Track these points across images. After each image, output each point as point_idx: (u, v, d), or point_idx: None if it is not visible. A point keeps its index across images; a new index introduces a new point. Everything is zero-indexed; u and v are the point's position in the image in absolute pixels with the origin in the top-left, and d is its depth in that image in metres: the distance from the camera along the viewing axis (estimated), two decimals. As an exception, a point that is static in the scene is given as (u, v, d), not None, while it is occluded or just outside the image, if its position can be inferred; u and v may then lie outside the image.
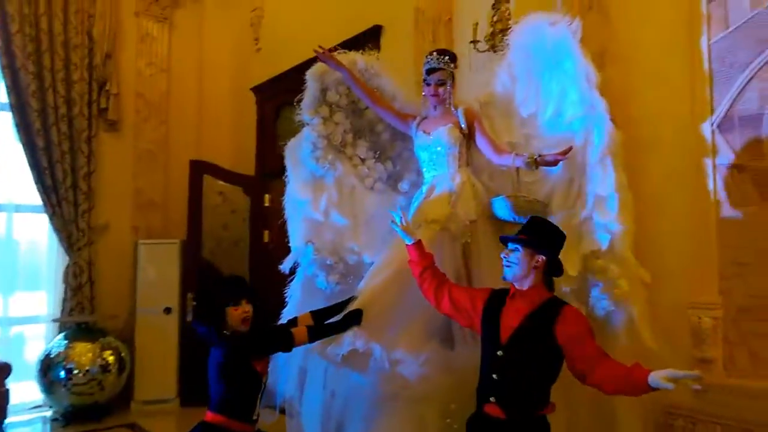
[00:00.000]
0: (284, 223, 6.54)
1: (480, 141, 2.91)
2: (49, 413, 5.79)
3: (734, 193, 2.73)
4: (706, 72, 2.83)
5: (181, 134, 6.81)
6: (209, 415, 2.43)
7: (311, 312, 2.77)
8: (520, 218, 2.69)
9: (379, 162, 3.24)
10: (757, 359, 2.64)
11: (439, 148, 2.90)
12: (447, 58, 2.97)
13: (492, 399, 2.23)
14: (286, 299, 3.14)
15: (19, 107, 5.78)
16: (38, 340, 6.04)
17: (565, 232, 2.37)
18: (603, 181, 2.67)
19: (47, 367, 5.42)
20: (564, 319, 2.20)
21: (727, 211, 2.76)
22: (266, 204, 6.21)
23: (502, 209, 2.80)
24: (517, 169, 2.77)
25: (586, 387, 2.21)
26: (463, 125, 2.92)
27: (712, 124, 2.80)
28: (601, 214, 2.65)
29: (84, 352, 5.45)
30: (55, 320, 5.91)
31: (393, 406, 2.56)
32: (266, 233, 6.19)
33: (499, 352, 2.26)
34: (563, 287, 2.54)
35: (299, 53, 5.74)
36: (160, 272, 6.08)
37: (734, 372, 2.71)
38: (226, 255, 6.20)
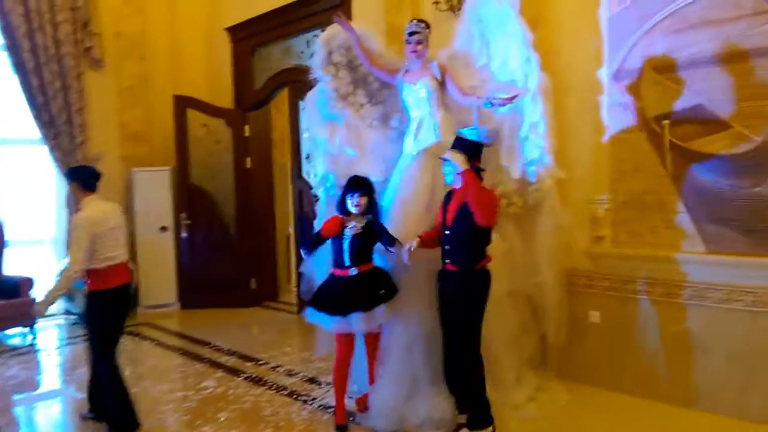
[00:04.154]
0: (263, 150, 7.65)
1: (450, 87, 3.94)
2: (61, 320, 6.73)
3: (621, 123, 3.93)
4: (605, 36, 3.97)
5: (159, 70, 7.43)
6: None
7: None
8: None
9: (374, 105, 4.25)
10: (632, 235, 3.93)
11: (422, 95, 3.93)
12: (423, 25, 3.99)
13: (447, 261, 3.40)
14: (316, 212, 4.27)
15: (13, 48, 6.29)
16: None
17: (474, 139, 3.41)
18: (535, 112, 3.79)
19: (67, 279, 6.28)
20: (467, 194, 3.26)
21: (616, 135, 3.96)
22: (246, 134, 7.07)
23: (469, 136, 3.90)
24: (478, 107, 3.84)
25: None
26: (437, 75, 3.95)
27: (609, 75, 3.97)
28: (534, 134, 3.79)
29: (98, 265, 6.33)
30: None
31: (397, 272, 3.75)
32: (248, 160, 7.09)
33: (447, 231, 3.41)
34: (510, 186, 3.75)
35: (274, -3, 6.47)
36: (154, 196, 6.92)
37: (618, 244, 4.00)
38: (213, 180, 7.08)
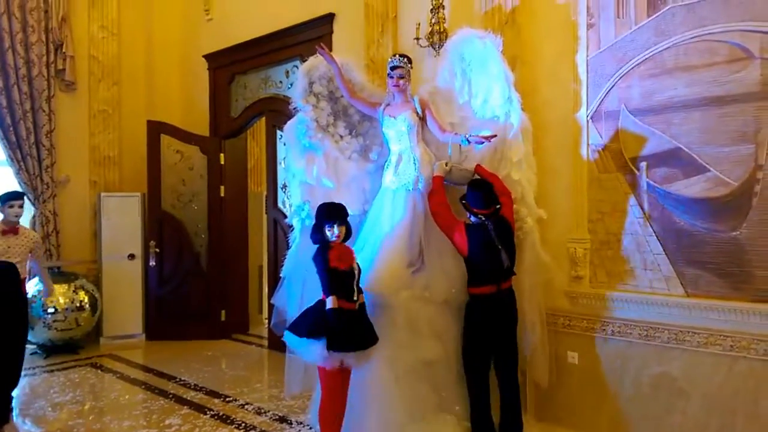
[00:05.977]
0: (238, 178, 7.57)
1: (430, 123, 3.94)
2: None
3: (599, 164, 3.95)
4: (583, 78, 4.02)
5: (133, 96, 7.33)
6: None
7: None
8: (455, 182, 3.84)
9: (354, 138, 4.22)
10: (611, 275, 3.92)
11: (402, 128, 3.91)
12: (406, 60, 3.99)
13: None
14: (290, 242, 4.08)
15: (-19, 67, 6.14)
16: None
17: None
18: (516, 151, 3.81)
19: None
20: None
21: (594, 176, 3.97)
22: (222, 162, 6.97)
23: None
24: (454, 144, 3.85)
25: None
26: (418, 110, 3.94)
27: (587, 116, 4.01)
28: (515, 173, 3.80)
29: (61, 293, 6.08)
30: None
31: (375, 310, 3.65)
32: (222, 188, 6.97)
33: None
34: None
35: (254, 27, 6.50)
36: (123, 222, 6.74)
37: (596, 284, 3.98)
38: (185, 208, 6.93)
